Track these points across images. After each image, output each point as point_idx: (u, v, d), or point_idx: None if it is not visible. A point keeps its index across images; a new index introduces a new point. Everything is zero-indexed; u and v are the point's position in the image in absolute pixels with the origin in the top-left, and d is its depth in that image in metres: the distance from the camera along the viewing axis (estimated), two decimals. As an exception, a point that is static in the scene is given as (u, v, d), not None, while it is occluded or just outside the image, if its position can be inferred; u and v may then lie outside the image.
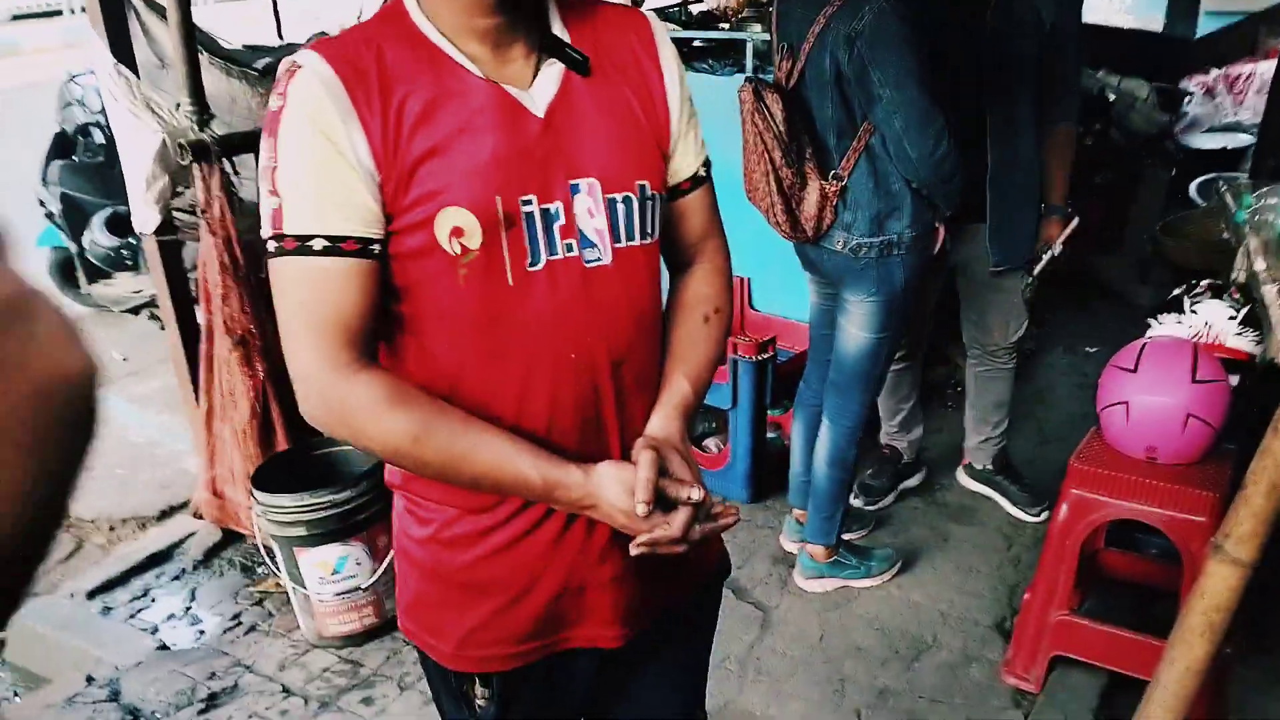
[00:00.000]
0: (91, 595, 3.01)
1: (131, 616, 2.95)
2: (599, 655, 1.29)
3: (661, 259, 1.27)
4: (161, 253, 3.04)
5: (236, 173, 2.89)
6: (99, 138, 4.98)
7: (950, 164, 2.43)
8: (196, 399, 3.06)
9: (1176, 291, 2.78)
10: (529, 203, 1.08)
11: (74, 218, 4.95)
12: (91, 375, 0.34)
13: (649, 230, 1.17)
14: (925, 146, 2.39)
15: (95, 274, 5.13)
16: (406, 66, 1.05)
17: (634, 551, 1.13)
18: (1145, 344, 2.40)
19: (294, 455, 2.82)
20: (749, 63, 3.26)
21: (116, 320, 5.23)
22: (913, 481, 3.38)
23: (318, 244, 1.03)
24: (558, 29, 1.13)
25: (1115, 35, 6.45)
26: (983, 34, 2.64)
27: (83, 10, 2.95)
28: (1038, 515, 3.15)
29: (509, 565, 1.19)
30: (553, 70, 1.11)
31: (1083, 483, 2.37)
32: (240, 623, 2.86)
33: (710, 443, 3.45)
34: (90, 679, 2.64)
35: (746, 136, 2.54)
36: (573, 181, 1.10)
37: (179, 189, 2.99)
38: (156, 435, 4.12)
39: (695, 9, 4.36)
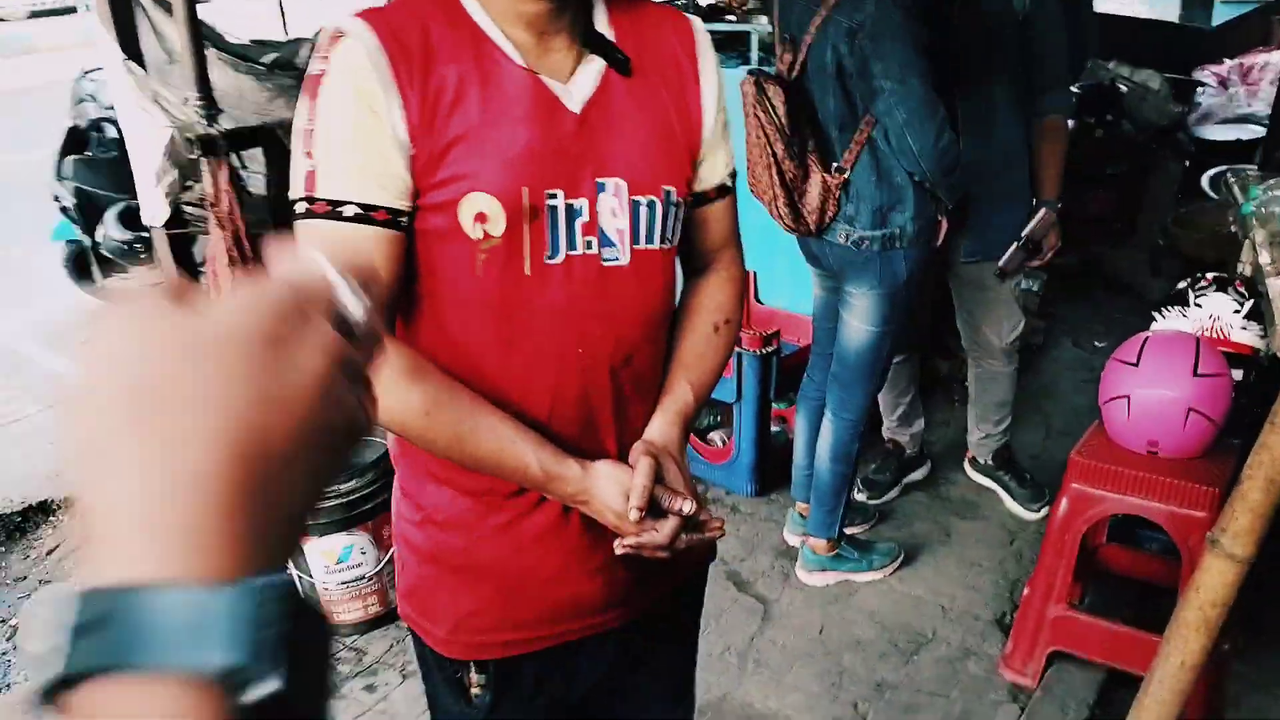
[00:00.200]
0: (102, 584, 3.05)
1: (141, 605, 2.98)
2: (593, 646, 1.30)
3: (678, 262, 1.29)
4: (171, 246, 3.06)
5: (244, 166, 2.91)
6: (112, 133, 5.02)
7: (952, 156, 2.43)
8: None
9: (1181, 285, 2.76)
10: (554, 197, 1.09)
11: (88, 212, 4.99)
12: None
13: (668, 235, 1.18)
14: (928, 139, 2.39)
15: (109, 267, 5.17)
16: (450, 46, 1.06)
17: (618, 551, 1.16)
18: (1147, 338, 2.40)
19: (300, 446, 2.85)
20: (754, 55, 3.26)
21: (130, 313, 5.28)
22: (917, 475, 3.38)
23: (349, 210, 1.04)
24: (602, 24, 1.14)
25: (1127, 25, 6.41)
26: (951, 22, 2.60)
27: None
28: (1037, 511, 3.15)
29: (505, 548, 1.21)
30: (593, 67, 1.12)
31: (1083, 476, 2.37)
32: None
33: (715, 436, 3.46)
34: (100, 667, 2.67)
35: (749, 129, 2.54)
36: (600, 180, 1.11)
37: (188, 183, 3.02)
38: (168, 427, 4.16)
39: (703, 1, 4.36)
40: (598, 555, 1.23)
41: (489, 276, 1.08)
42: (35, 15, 16.36)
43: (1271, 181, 2.96)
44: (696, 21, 1.24)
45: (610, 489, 1.13)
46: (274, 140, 2.82)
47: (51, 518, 3.59)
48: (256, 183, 3.07)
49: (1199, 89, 6.03)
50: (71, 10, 16.32)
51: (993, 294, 2.95)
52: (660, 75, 1.17)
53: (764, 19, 3.63)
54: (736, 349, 3.07)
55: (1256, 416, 1.93)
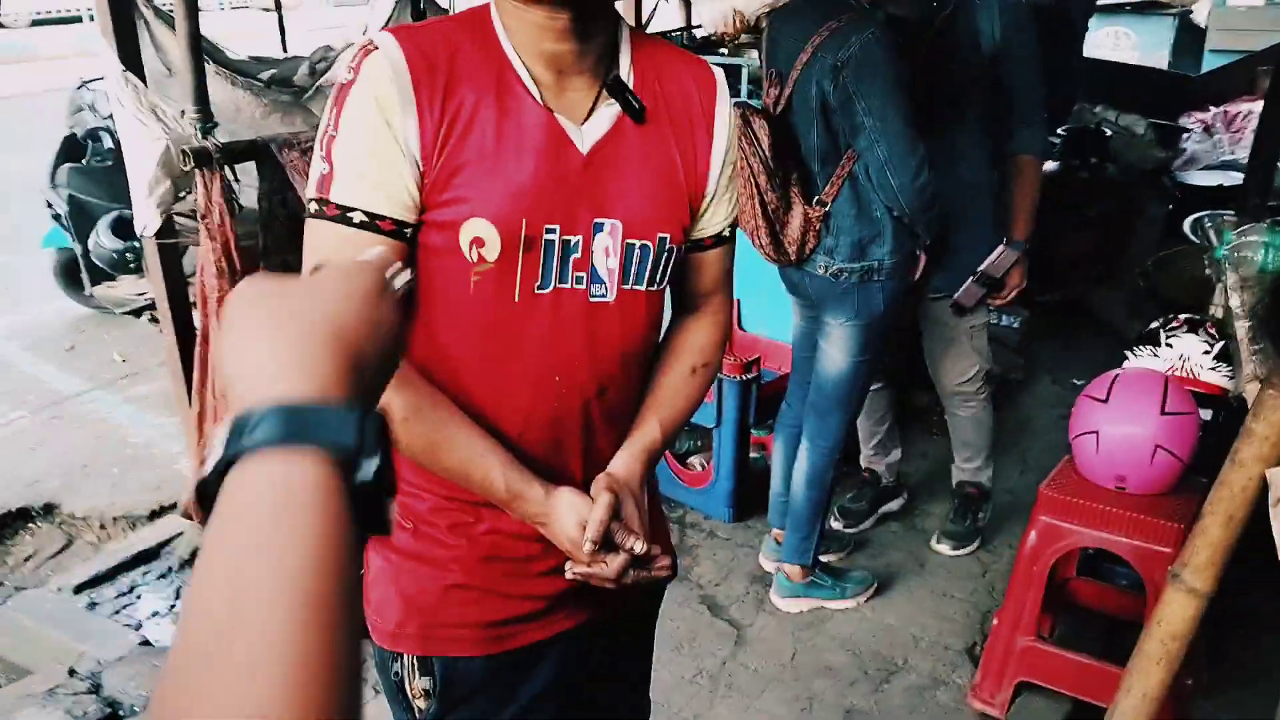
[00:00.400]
0: (78, 590, 3.06)
1: (117, 612, 2.99)
2: (539, 652, 1.31)
3: (667, 300, 1.32)
4: (161, 255, 3.09)
5: (237, 180, 2.95)
6: (108, 142, 5.07)
7: (931, 193, 2.48)
8: (190, 401, 3.11)
9: (1154, 325, 2.82)
10: (552, 231, 1.12)
11: (80, 220, 5.03)
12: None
13: (656, 279, 1.22)
14: (907, 175, 2.44)
15: (99, 276, 5.20)
16: (474, 71, 1.09)
17: (568, 575, 1.20)
18: (1117, 375, 2.45)
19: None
20: (744, 88, 3.33)
21: (119, 322, 5.30)
22: (893, 505, 3.41)
23: (357, 217, 1.07)
24: (625, 70, 1.17)
25: (1114, 70, 6.53)
26: (919, 60, 2.65)
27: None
28: (953, 550, 3.19)
29: (459, 544, 1.23)
30: (609, 111, 1.15)
31: (1052, 510, 2.41)
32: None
33: (694, 460, 3.49)
34: (72, 671, 2.68)
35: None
36: (597, 220, 1.14)
37: (181, 194, 3.05)
38: (153, 437, 4.17)
39: (698, 34, 4.44)
40: (552, 559, 1.25)
41: (480, 298, 1.11)
42: (38, 23, 16.43)
43: (1246, 227, 3.03)
44: (719, 75, 1.26)
45: (569, 517, 1.17)
46: (268, 155, 2.86)
47: (31, 524, 3.60)
48: (249, 196, 3.10)
49: (1184, 135, 6.14)
50: (76, 19, 16.42)
51: (950, 333, 2.99)
52: (673, 125, 1.20)
53: (755, 53, 3.70)
54: (717, 374, 3.12)
55: (1225, 456, 1.98)
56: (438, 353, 1.16)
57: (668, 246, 1.20)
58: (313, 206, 1.09)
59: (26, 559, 3.41)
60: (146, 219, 2.99)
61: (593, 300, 1.17)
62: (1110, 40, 8.69)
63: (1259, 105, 6.16)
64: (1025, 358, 4.52)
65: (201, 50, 2.91)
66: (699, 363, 1.31)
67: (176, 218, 3.09)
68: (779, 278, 2.86)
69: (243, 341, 0.54)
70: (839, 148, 2.53)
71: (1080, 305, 5.14)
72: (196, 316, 3.07)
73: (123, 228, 4.84)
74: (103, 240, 4.96)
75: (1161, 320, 2.82)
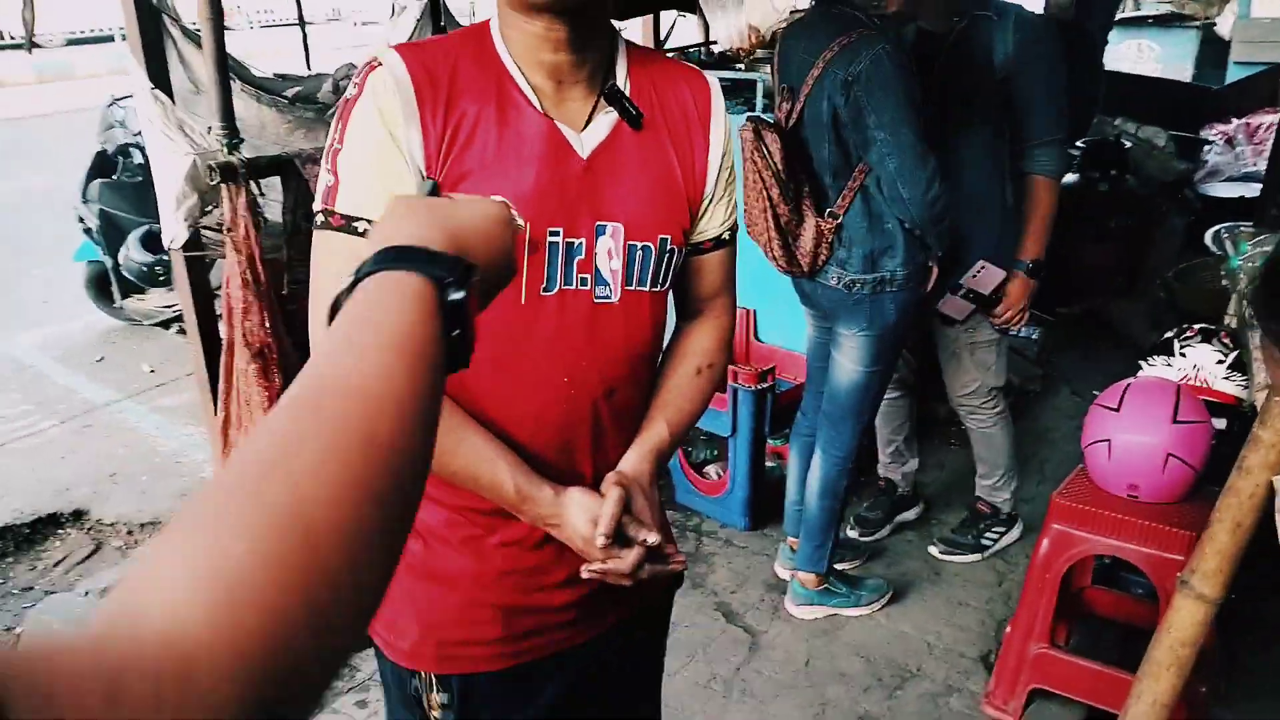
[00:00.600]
0: (105, 594, 3.12)
1: (143, 617, 3.05)
2: (555, 664, 1.33)
3: (671, 304, 1.35)
4: (188, 268, 3.17)
5: (262, 194, 3.02)
6: (138, 158, 5.17)
7: (942, 205, 2.50)
8: (215, 409, 3.18)
9: (1168, 334, 2.83)
10: (555, 234, 1.15)
11: (111, 234, 5.14)
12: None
13: (659, 280, 1.25)
14: (918, 188, 2.46)
15: (129, 289, 5.30)
16: (475, 84, 1.13)
17: (584, 574, 1.20)
18: (1129, 384, 2.46)
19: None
20: (759, 102, 3.37)
21: (148, 333, 5.40)
22: (909, 515, 3.42)
23: (362, 226, 1.10)
24: (622, 79, 1.21)
25: (1134, 82, 6.52)
26: (931, 75, 2.68)
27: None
28: (941, 555, 3.22)
29: (473, 558, 1.25)
30: (607, 118, 1.19)
31: (1064, 518, 2.42)
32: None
33: (710, 469, 3.52)
34: (100, 675, 2.73)
35: (746, 173, 2.63)
36: (599, 223, 1.18)
37: (208, 208, 3.13)
38: (181, 446, 4.25)
39: (715, 49, 4.49)
40: (564, 569, 1.27)
41: None
42: (73, 42, 16.74)
43: (1262, 237, 3.04)
44: (714, 82, 1.30)
45: (580, 516, 1.18)
46: (292, 170, 2.93)
47: (59, 530, 3.68)
48: (273, 210, 3.17)
49: (1206, 146, 6.13)
50: (109, 39, 16.72)
51: (951, 345, 3.02)
52: (670, 131, 1.23)
53: (769, 68, 3.74)
54: (732, 384, 3.15)
55: (1237, 464, 1.99)
56: None
57: (669, 248, 1.23)
58: (319, 218, 1.13)
59: (56, 564, 3.48)
60: (174, 232, 3.07)
61: (597, 301, 1.19)
62: (1133, 53, 8.66)
63: (1281, 116, 6.16)
64: (1044, 369, 4.52)
65: (227, 68, 2.98)
66: (704, 364, 1.34)
67: (203, 231, 3.17)
68: (793, 289, 2.89)
69: (387, 220, 0.71)
70: (850, 161, 2.56)
71: (1100, 317, 5.14)
72: (222, 328, 3.14)
73: (152, 242, 4.94)
74: (133, 254, 5.06)
75: (1175, 330, 2.83)
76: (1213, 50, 8.53)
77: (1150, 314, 4.87)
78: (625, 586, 1.26)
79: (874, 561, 3.23)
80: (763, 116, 2.70)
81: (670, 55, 5.07)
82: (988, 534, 3.24)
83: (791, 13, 3.27)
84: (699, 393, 1.33)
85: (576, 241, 1.17)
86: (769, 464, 3.43)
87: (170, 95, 3.00)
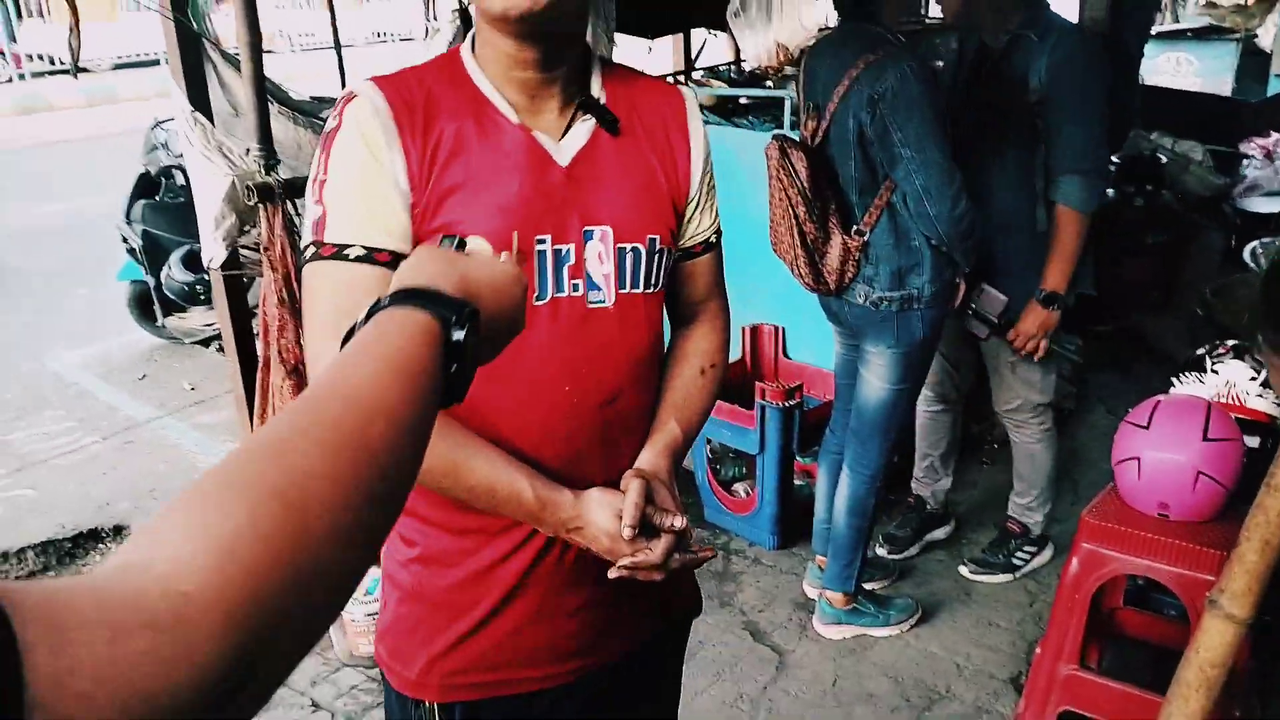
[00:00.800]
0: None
1: (179, 630, 3.10)
2: (564, 695, 1.32)
3: (665, 312, 1.36)
4: (226, 286, 3.24)
5: (299, 214, 3.08)
6: (180, 180, 5.28)
7: (968, 222, 2.50)
8: (252, 426, 3.24)
9: (1200, 351, 2.79)
10: (543, 241, 1.17)
11: (154, 254, 5.24)
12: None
13: (652, 281, 1.26)
14: (944, 205, 2.47)
15: (171, 307, 5.40)
16: (451, 104, 1.16)
17: (613, 575, 1.19)
18: (1159, 401, 2.44)
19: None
20: (786, 119, 3.38)
21: (189, 352, 5.50)
22: (939, 533, 3.40)
23: (353, 252, 1.11)
24: (596, 90, 1.24)
25: (1170, 97, 6.45)
26: (967, 94, 2.68)
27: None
28: (972, 575, 3.20)
29: (486, 587, 1.25)
30: (585, 126, 1.22)
31: (1093, 537, 2.40)
32: (278, 640, 2.99)
33: (739, 487, 3.52)
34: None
35: (772, 191, 2.65)
36: (587, 228, 1.20)
37: (246, 227, 3.20)
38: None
39: (746, 67, 4.52)
40: (577, 597, 1.27)
41: None
42: (119, 67, 17.12)
43: (1298, 253, 3.00)
44: (689, 94, 1.34)
45: (603, 513, 1.17)
46: (326, 190, 2.98)
47: (101, 545, 3.75)
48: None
49: (1244, 161, 6.05)
50: (154, 63, 17.09)
51: (992, 361, 3.03)
52: (648, 137, 1.26)
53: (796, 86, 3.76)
54: (760, 401, 3.16)
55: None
56: None
57: (659, 248, 1.25)
58: (310, 250, 1.14)
59: (97, 578, 3.55)
60: (213, 251, 3.14)
61: (591, 306, 1.21)
62: (1171, 66, 8.57)
63: (1322, 131, 6.06)
64: (1078, 387, 4.48)
65: (265, 91, 3.05)
66: (707, 364, 1.35)
67: (241, 250, 3.24)
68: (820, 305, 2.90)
69: (406, 267, 0.78)
70: (877, 178, 2.57)
71: (1137, 334, 5.08)
72: (259, 346, 3.21)
73: (193, 261, 5.04)
74: (174, 273, 5.16)
75: (1208, 346, 2.79)
76: (1254, 63, 8.41)
77: (1187, 331, 4.79)
78: (639, 606, 1.27)
79: (903, 581, 3.21)
80: (788, 134, 2.72)
81: (700, 72, 5.13)
82: (1019, 554, 3.21)
83: (820, 30, 3.28)
84: (705, 393, 1.34)
85: (565, 248, 1.18)
86: (797, 482, 3.42)
87: (210, 118, 3.08)
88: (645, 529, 1.17)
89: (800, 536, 3.35)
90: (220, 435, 4.56)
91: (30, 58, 16.24)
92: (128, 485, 4.11)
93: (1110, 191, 5.09)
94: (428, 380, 0.66)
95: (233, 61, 3.21)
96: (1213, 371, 2.69)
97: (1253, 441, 2.52)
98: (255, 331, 3.32)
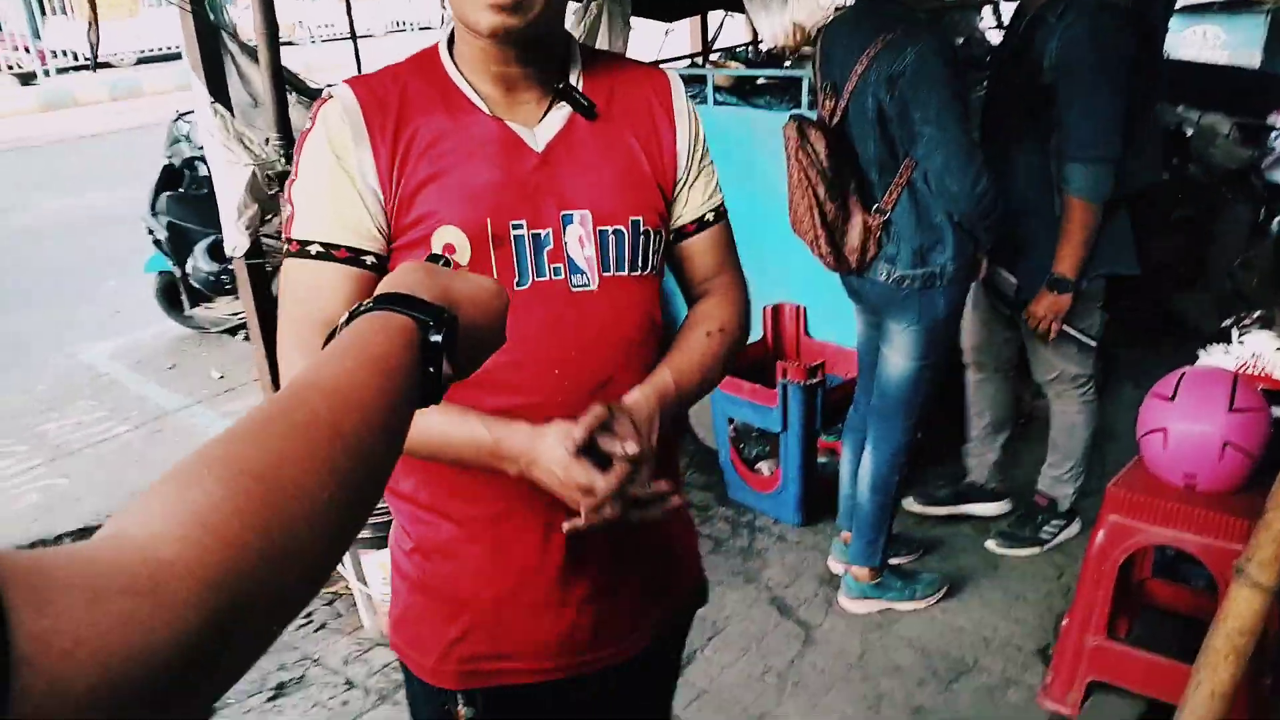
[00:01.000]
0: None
1: (213, 613, 3.15)
2: (579, 686, 1.34)
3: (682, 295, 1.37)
4: (250, 275, 3.28)
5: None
6: (203, 171, 5.33)
7: (990, 199, 2.49)
8: (278, 412, 3.28)
9: (1226, 323, 2.77)
10: (519, 227, 1.18)
11: (179, 245, 5.31)
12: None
13: (639, 263, 1.25)
14: (966, 182, 2.45)
15: (197, 298, 5.47)
16: (425, 100, 1.19)
17: (565, 529, 1.16)
18: (1184, 373, 2.42)
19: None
20: (804, 98, 3.37)
21: (216, 341, 5.57)
22: (986, 509, 3.36)
23: (314, 248, 1.15)
24: (575, 78, 1.25)
25: (1195, 71, 6.37)
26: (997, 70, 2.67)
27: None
28: (999, 548, 3.21)
29: (488, 577, 1.27)
30: (560, 112, 1.23)
31: (1119, 508, 2.39)
32: (311, 620, 3.04)
33: (763, 466, 3.53)
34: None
35: (791, 171, 2.64)
36: (565, 212, 1.20)
37: (267, 216, 3.24)
38: (246, 449, 4.37)
39: (763, 48, 4.50)
40: (580, 588, 1.28)
41: None
42: (142, 61, 17.26)
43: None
44: (674, 76, 1.33)
45: (556, 443, 1.12)
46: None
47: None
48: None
49: (1273, 133, 5.96)
50: (176, 56, 17.21)
51: (1026, 333, 3.00)
52: (629, 119, 1.26)
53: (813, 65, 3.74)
54: (782, 380, 3.16)
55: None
56: None
57: (643, 229, 1.24)
58: (284, 247, 1.19)
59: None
60: (235, 241, 3.18)
61: (575, 290, 1.21)
62: (1198, 40, 8.45)
63: (1352, 100, 5.96)
64: (1105, 363, 4.44)
65: (283, 81, 3.08)
66: (714, 328, 1.31)
67: (264, 239, 3.27)
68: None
69: (391, 276, 0.79)
70: (897, 156, 2.56)
71: (1165, 309, 5.03)
72: (284, 332, 3.25)
73: (218, 251, 5.09)
74: (200, 264, 5.22)
75: (1234, 318, 2.77)
76: (1283, 37, 8.28)
77: (1216, 305, 4.76)
78: (648, 598, 1.28)
79: (930, 555, 3.21)
80: (806, 115, 2.71)
81: (718, 54, 5.11)
82: (1046, 527, 3.20)
83: (836, 9, 3.27)
84: (710, 355, 1.30)
85: (543, 232, 1.19)
86: (821, 459, 3.43)
87: (230, 109, 3.11)
88: (601, 461, 1.13)
89: (825, 513, 3.36)
90: (248, 423, 4.60)
91: (55, 54, 16.39)
92: (158, 473, 4.04)
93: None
94: (404, 379, 0.68)
95: (251, 52, 3.24)
96: (1239, 343, 2.67)
97: (1279, 412, 2.51)
98: (281, 319, 3.36)
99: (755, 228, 2.63)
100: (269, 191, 3.02)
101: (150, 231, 5.43)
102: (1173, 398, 2.37)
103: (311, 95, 3.51)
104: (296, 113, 3.16)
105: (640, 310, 1.27)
